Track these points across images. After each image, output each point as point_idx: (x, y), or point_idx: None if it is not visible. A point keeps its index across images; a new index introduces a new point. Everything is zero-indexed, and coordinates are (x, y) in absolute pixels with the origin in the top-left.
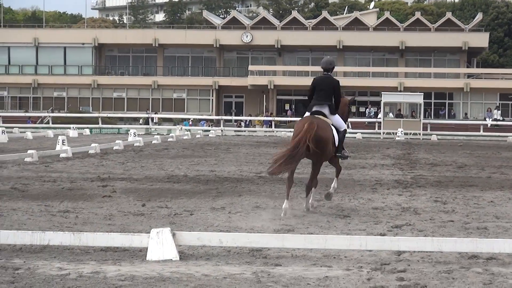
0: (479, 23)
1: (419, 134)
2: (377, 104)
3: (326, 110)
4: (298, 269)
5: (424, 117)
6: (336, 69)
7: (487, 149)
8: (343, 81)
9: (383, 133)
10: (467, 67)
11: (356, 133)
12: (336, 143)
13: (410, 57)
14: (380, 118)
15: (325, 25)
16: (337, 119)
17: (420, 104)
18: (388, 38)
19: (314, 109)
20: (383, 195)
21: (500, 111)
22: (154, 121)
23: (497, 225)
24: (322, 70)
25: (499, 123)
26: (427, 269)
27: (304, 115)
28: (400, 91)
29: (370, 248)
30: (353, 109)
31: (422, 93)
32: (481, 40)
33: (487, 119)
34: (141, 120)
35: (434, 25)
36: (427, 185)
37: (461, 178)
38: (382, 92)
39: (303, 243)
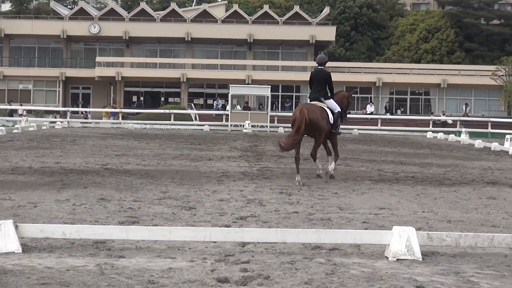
0: (326, 17)
1: (266, 126)
2: (225, 96)
3: (321, 97)
4: (142, 261)
5: (272, 109)
6: (184, 61)
7: None
8: (191, 73)
9: (231, 125)
10: (314, 60)
11: (203, 125)
12: (332, 121)
13: (258, 50)
14: (227, 110)
15: (174, 17)
16: (330, 102)
17: (268, 97)
18: (237, 30)
19: (312, 95)
20: (229, 187)
21: None
22: (19, 113)
23: (341, 216)
24: (316, 64)
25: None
26: (271, 260)
27: (305, 102)
28: (248, 84)
29: (215, 239)
30: (201, 101)
31: (270, 86)
32: (328, 33)
33: None
34: None
35: (282, 18)
36: (273, 177)
37: (307, 170)
38: (230, 85)
39: (148, 234)
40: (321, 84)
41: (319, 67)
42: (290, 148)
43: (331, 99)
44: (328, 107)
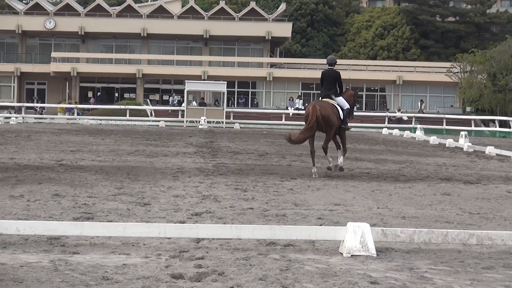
0: (283, 13)
1: (222, 122)
2: (180, 92)
3: (332, 94)
4: (96, 257)
5: (227, 105)
6: (140, 56)
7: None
8: (147, 69)
9: (187, 121)
10: (271, 56)
11: (159, 121)
12: (342, 117)
13: (214, 45)
14: (183, 106)
15: (130, 12)
16: (340, 100)
17: (224, 93)
18: (193, 26)
19: (324, 93)
20: (184, 183)
21: (302, 100)
22: None
23: (296, 212)
24: (327, 64)
25: (301, 112)
26: (226, 256)
27: (316, 99)
28: (204, 80)
29: (169, 235)
30: (157, 97)
31: (226, 82)
32: (284, 30)
33: (289, 108)
34: None
35: (238, 14)
36: (228, 173)
37: (262, 166)
38: (185, 81)
39: (102, 231)
40: (331, 82)
41: (329, 67)
42: (300, 142)
43: (341, 97)
44: (338, 104)
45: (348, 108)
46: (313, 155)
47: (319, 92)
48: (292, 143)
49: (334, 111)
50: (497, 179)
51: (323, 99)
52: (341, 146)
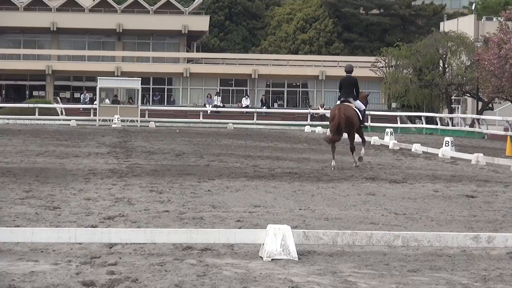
0: (199, 6)
1: (137, 121)
2: (92, 89)
3: (350, 99)
4: (2, 264)
5: (142, 103)
6: (49, 52)
7: (206, 137)
8: (57, 65)
9: (99, 120)
10: (187, 51)
11: (70, 120)
12: (361, 118)
13: (127, 40)
14: (95, 104)
15: (38, 5)
16: (357, 103)
17: (138, 90)
18: (105, 20)
19: (342, 98)
20: (96, 185)
21: (220, 97)
22: None
23: (214, 215)
24: (345, 72)
25: (219, 109)
26: (140, 262)
27: (336, 103)
28: (117, 76)
29: (80, 240)
30: (67, 94)
31: (140, 79)
32: (201, 23)
33: (207, 105)
34: None
35: (153, 7)
36: (143, 174)
37: (179, 167)
38: (98, 77)
39: (9, 236)
40: (350, 88)
41: (347, 74)
42: (335, 142)
43: (358, 100)
44: (356, 107)
45: (364, 109)
46: (334, 150)
47: (339, 95)
48: (330, 143)
49: (355, 113)
50: (424, 178)
51: (343, 103)
52: (362, 139)
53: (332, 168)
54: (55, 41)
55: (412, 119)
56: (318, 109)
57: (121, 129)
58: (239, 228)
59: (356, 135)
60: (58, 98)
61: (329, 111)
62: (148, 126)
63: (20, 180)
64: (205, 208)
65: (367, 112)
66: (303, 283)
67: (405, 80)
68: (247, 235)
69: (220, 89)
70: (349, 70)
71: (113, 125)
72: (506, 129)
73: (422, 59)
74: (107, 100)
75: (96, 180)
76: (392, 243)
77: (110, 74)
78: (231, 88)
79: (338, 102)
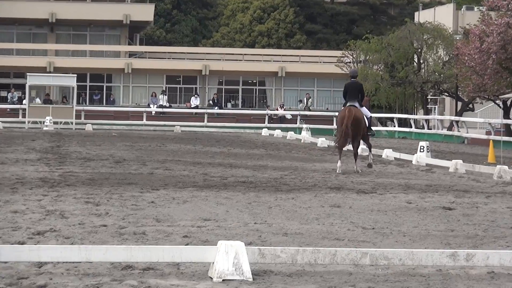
0: None
1: (72, 123)
2: (21, 87)
3: (356, 104)
4: None
5: (78, 103)
6: None
7: (150, 141)
8: None
9: (29, 122)
10: (129, 44)
11: None
12: (367, 124)
13: (62, 31)
14: (25, 104)
15: None
16: (364, 109)
17: (73, 88)
18: (36, 9)
19: (348, 104)
20: (25, 196)
21: (166, 96)
22: None
23: (158, 230)
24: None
25: (165, 110)
26: (73, 283)
27: (342, 108)
28: (50, 72)
29: (5, 259)
30: None
31: (75, 75)
32: (145, 12)
33: (151, 105)
34: None
35: None
36: (78, 183)
37: (119, 175)
38: (27, 74)
39: None
40: (355, 93)
41: (352, 79)
42: (343, 144)
43: (364, 107)
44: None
45: (371, 116)
46: (341, 152)
47: (345, 102)
48: (339, 148)
49: (363, 117)
50: (396, 187)
51: (350, 106)
52: (367, 144)
53: (338, 171)
54: None
55: (383, 121)
56: (277, 110)
57: (53, 133)
58: (186, 245)
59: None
60: None
61: (289, 112)
62: (85, 129)
63: None
64: (148, 222)
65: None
66: None
67: (375, 77)
68: (195, 253)
69: (166, 87)
70: (353, 75)
71: (45, 128)
72: (488, 133)
73: (395, 54)
74: (38, 100)
75: (25, 190)
76: (359, 261)
77: (42, 70)
78: (178, 86)
79: (347, 104)
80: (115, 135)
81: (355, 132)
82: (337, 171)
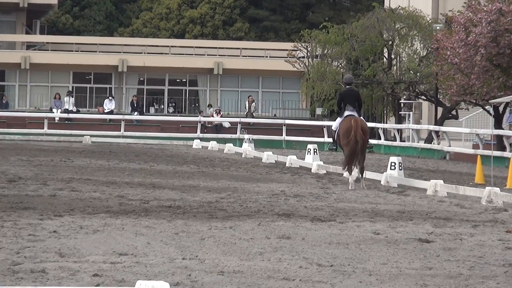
0: None
1: None
2: None
3: (355, 114)
4: None
5: None
6: None
7: (53, 154)
8: None
9: None
10: (27, 32)
11: None
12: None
13: None
14: None
15: None
16: (362, 119)
17: None
18: None
19: (347, 113)
20: None
21: (73, 99)
22: None
23: (61, 267)
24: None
25: (72, 115)
26: None
27: (340, 118)
28: None
29: None
30: None
31: None
32: None
33: (54, 109)
34: None
35: None
36: None
37: (13, 198)
38: None
39: None
40: (352, 102)
41: (347, 86)
42: (352, 166)
43: (361, 117)
44: None
45: (369, 127)
46: (352, 162)
47: (341, 112)
48: (349, 166)
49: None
50: (360, 214)
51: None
52: (362, 167)
53: (350, 187)
54: None
55: None
56: (212, 116)
57: None
58: (96, 286)
59: None
60: None
61: (227, 119)
62: None
63: None
64: (49, 257)
65: None
66: None
67: (335, 76)
68: None
69: (73, 86)
70: (349, 82)
71: None
72: (476, 146)
73: (360, 47)
74: None
75: None
76: None
77: None
78: (89, 85)
79: (346, 114)
80: (1, 147)
81: (361, 143)
82: (350, 187)
